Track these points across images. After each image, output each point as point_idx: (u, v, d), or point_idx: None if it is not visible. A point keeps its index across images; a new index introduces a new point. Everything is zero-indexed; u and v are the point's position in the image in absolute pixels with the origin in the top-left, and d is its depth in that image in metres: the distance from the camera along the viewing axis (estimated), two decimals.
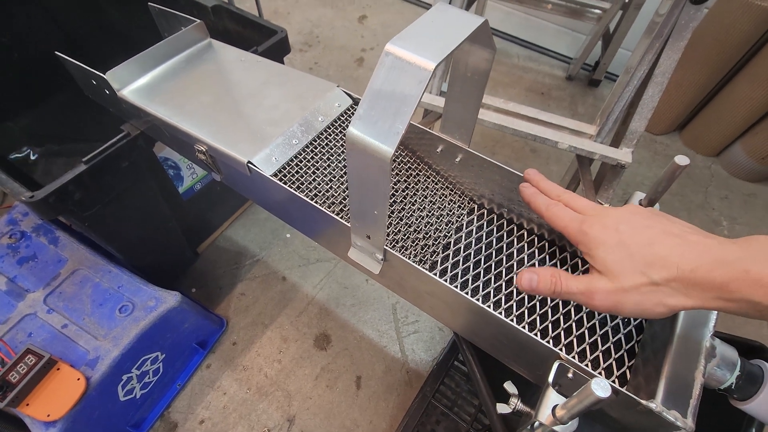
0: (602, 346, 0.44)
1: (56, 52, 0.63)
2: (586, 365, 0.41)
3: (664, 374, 0.36)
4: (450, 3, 0.96)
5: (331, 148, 0.54)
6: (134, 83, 0.61)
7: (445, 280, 0.43)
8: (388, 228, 0.50)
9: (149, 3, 0.71)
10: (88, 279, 0.83)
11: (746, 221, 1.31)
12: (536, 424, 0.35)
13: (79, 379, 0.71)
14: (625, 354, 0.43)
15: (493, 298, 0.47)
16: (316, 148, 0.54)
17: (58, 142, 1.23)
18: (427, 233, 0.51)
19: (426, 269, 0.41)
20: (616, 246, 0.33)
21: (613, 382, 0.41)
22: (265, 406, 0.95)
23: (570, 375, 0.36)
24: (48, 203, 0.64)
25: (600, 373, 0.41)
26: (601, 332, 0.44)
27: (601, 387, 0.28)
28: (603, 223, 0.35)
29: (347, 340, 1.05)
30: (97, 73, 0.59)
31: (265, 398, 0.96)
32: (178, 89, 0.61)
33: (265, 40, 0.87)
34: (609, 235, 0.34)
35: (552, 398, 0.35)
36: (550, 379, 0.36)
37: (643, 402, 0.33)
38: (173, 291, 0.84)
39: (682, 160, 0.41)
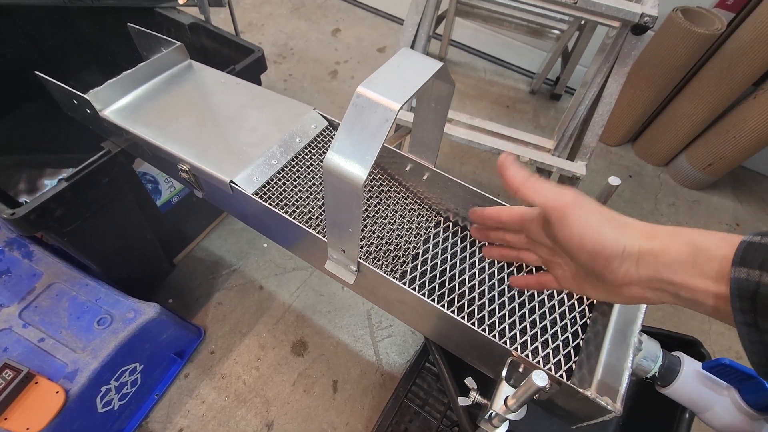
0: (552, 344, 0.49)
1: (36, 72, 0.64)
2: (538, 362, 0.47)
3: (599, 366, 0.41)
4: (419, 23, 1.01)
5: (309, 168, 0.59)
6: (116, 104, 0.63)
7: (414, 289, 0.47)
8: (362, 240, 0.54)
9: (128, 24, 0.73)
10: (65, 292, 0.84)
11: (691, 226, 1.43)
12: (492, 414, 0.41)
13: (58, 392, 0.72)
14: (572, 350, 0.49)
15: (457, 303, 0.52)
16: (294, 167, 0.58)
17: (26, 153, 1.21)
18: (397, 245, 0.56)
19: (396, 279, 0.46)
20: None
21: (561, 376, 0.46)
22: (244, 412, 0.97)
23: (521, 370, 0.42)
24: (29, 220, 0.65)
25: (550, 368, 0.47)
26: (551, 332, 0.50)
27: (540, 377, 0.33)
28: None
29: (324, 346, 1.08)
30: (79, 93, 0.61)
31: (243, 405, 0.98)
32: (160, 110, 0.63)
33: (242, 58, 0.90)
34: None
35: (505, 390, 0.40)
36: (504, 373, 0.41)
37: (581, 390, 0.39)
38: (152, 302, 0.86)
39: (614, 180, 0.47)
